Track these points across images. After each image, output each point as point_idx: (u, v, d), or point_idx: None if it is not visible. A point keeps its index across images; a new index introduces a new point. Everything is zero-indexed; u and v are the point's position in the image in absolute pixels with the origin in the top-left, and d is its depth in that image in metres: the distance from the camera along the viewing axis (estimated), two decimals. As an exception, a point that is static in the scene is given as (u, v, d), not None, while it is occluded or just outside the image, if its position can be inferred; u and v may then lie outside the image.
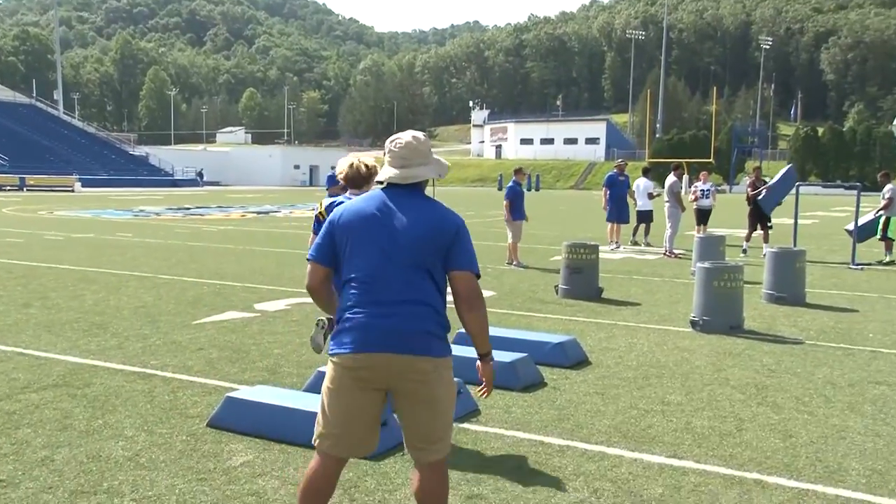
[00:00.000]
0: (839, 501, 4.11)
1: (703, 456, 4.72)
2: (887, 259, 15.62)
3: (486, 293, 10.92)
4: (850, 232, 16.12)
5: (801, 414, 5.57)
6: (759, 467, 4.54)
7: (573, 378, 6.47)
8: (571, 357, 6.91)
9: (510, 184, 14.50)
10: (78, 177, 61.40)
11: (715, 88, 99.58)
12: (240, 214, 30.52)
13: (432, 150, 3.29)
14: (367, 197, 3.21)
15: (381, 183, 3.26)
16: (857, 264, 14.92)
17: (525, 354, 6.38)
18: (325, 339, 5.46)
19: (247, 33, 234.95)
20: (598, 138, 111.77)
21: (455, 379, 5.62)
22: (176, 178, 76.83)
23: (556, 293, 10.86)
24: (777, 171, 18.47)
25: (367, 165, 4.51)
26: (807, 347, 7.82)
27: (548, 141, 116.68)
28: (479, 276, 3.15)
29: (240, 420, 4.96)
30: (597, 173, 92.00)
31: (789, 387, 6.29)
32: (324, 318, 5.51)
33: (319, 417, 3.18)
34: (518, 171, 14.71)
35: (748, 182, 17.28)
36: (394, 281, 3.04)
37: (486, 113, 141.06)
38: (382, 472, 4.37)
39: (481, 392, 3.36)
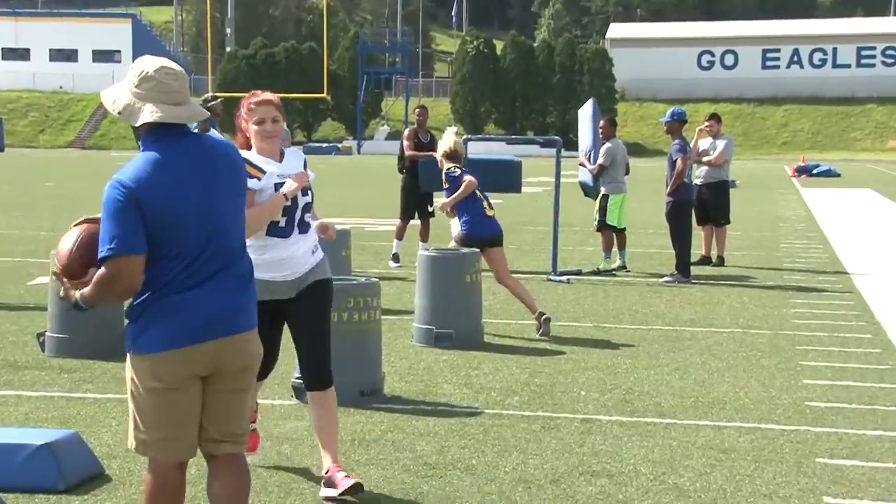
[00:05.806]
0: None
1: None
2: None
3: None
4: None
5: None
6: None
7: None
8: (69, 469, 3.96)
9: None
10: None
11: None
12: None
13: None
14: None
15: None
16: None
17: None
18: None
19: None
20: (117, 51, 68.29)
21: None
22: None
23: (42, 348, 7.33)
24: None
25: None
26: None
27: (17, 54, 70.26)
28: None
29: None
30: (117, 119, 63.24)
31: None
32: None
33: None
34: None
35: (405, 135, 10.86)
36: None
37: None
38: None
39: None
